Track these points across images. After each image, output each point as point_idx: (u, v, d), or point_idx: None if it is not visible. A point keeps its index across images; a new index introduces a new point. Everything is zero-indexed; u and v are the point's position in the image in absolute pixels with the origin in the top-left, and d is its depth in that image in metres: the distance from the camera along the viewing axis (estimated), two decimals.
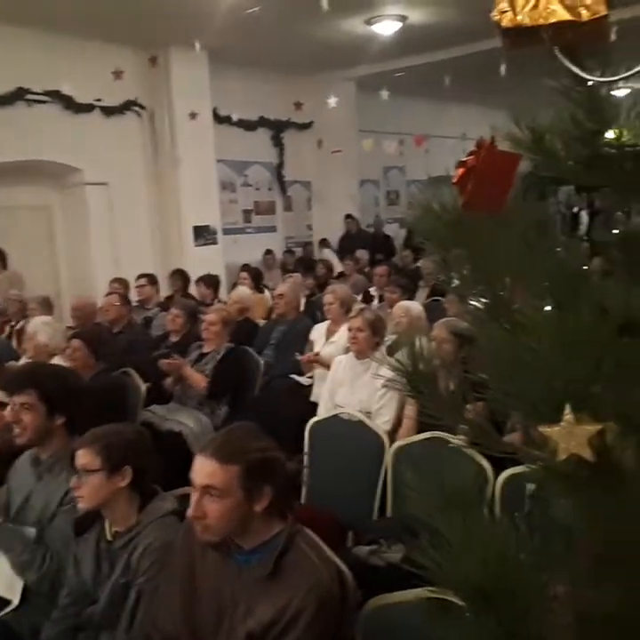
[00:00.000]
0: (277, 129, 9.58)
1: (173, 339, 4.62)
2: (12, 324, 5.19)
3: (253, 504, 1.48)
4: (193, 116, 7.68)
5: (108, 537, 1.88)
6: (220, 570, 1.54)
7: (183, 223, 7.88)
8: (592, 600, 0.67)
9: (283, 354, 4.38)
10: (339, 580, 1.51)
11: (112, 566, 1.84)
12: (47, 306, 5.20)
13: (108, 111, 7.40)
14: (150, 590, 1.74)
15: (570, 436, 0.64)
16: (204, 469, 1.48)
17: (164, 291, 6.58)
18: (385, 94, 8.05)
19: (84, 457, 1.83)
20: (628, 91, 1.01)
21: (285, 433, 2.51)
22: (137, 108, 7.69)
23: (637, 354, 0.77)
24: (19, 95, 6.61)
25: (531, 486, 1.44)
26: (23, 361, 3.85)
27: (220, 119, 8.43)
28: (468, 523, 0.74)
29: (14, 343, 4.79)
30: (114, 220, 7.50)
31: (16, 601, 2.03)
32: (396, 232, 11.23)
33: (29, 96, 6.71)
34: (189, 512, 1.49)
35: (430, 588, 0.80)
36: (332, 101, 7.81)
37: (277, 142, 9.67)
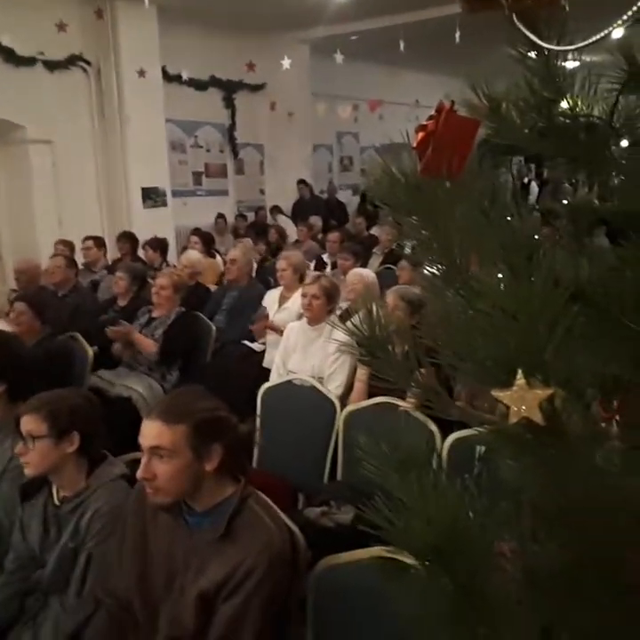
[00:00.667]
0: (229, 89, 9.36)
1: (121, 303, 4.53)
2: None
3: (204, 463, 1.48)
4: (141, 73, 7.41)
5: (56, 502, 1.87)
6: (171, 532, 1.55)
7: (131, 184, 7.66)
8: (538, 557, 0.70)
9: (235, 319, 4.36)
10: (290, 541, 1.53)
11: (60, 531, 1.83)
12: None
13: (52, 66, 7.08)
14: (100, 554, 1.74)
15: (521, 400, 0.65)
16: (151, 431, 1.48)
17: (112, 253, 6.42)
18: (339, 58, 7.93)
19: (29, 423, 1.80)
20: (578, 63, 1.02)
21: (238, 399, 2.51)
22: (82, 64, 7.37)
23: (586, 322, 0.79)
24: None
25: (480, 448, 1.49)
26: None
27: (169, 77, 8.17)
28: (421, 484, 0.76)
29: None
30: (58, 179, 7.23)
31: None
32: (349, 199, 11.22)
33: None
34: (139, 474, 1.48)
35: (382, 548, 0.82)
36: (286, 63, 7.65)
37: (229, 103, 9.46)
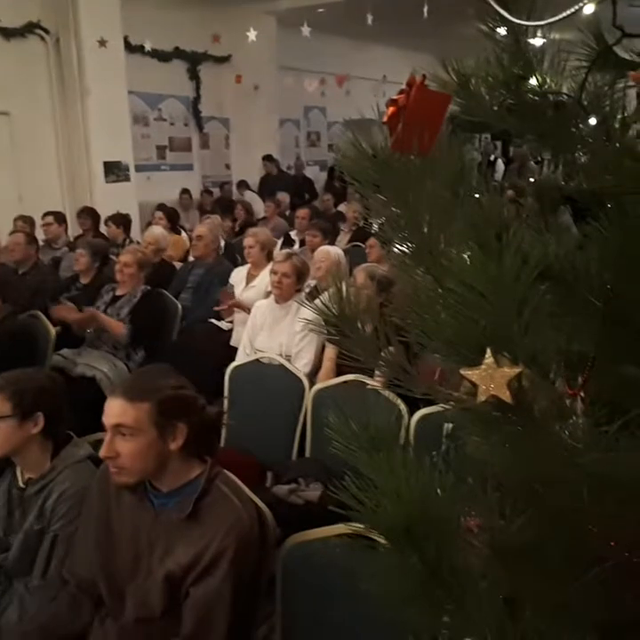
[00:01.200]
0: (194, 61, 9.16)
1: (84, 280, 4.44)
2: None
3: (168, 442, 1.47)
4: (102, 43, 7.18)
5: (21, 484, 1.84)
6: (136, 514, 1.54)
7: (93, 158, 7.45)
8: (504, 532, 0.71)
9: (201, 297, 4.31)
10: (258, 519, 1.54)
11: (24, 513, 1.80)
12: None
13: (8, 33, 6.83)
14: (66, 536, 1.72)
15: (489, 378, 0.66)
16: (114, 409, 1.46)
17: (73, 230, 6.28)
18: (306, 31, 7.81)
19: None
20: (552, 40, 1.01)
21: (205, 378, 2.50)
22: (40, 32, 7.12)
23: (552, 300, 0.80)
24: None
25: (448, 425, 1.51)
26: None
27: (131, 48, 7.95)
28: (391, 462, 0.76)
29: None
30: (16, 153, 7.01)
31: None
32: (316, 175, 11.14)
33: None
34: (101, 452, 1.47)
35: (350, 525, 0.82)
36: (252, 35, 7.51)
37: (194, 75, 9.27)
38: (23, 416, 1.77)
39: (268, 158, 9.79)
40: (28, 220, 5.75)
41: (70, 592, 1.62)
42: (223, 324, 4.10)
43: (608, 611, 0.67)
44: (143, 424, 1.44)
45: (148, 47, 8.20)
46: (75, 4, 7.02)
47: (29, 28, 7.03)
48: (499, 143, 11.81)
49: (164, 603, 1.46)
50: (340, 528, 1.39)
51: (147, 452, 1.45)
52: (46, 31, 7.15)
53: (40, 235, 5.58)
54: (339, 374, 2.74)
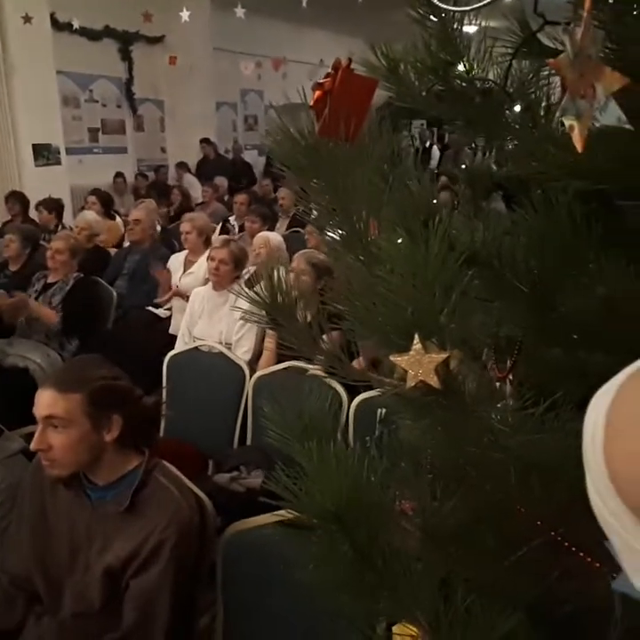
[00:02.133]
0: (125, 41, 8.88)
1: (13, 267, 4.27)
2: None
3: (102, 434, 1.43)
4: (27, 19, 6.85)
5: None
6: (72, 507, 1.50)
7: (20, 140, 7.12)
8: (436, 514, 0.72)
9: (137, 284, 4.21)
10: (198, 509, 1.52)
11: None
12: None
13: None
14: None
15: (417, 364, 0.66)
16: (44, 400, 1.42)
17: (1, 215, 6.02)
18: (240, 12, 7.66)
19: None
20: (477, 28, 1.02)
21: (144, 367, 2.45)
22: None
23: (479, 285, 0.81)
24: None
25: (382, 411, 1.52)
26: None
27: (59, 26, 7.63)
28: (322, 450, 0.76)
29: None
30: None
31: None
32: (255, 159, 11.02)
33: None
34: (32, 445, 1.43)
35: (286, 513, 0.83)
36: (185, 15, 7.32)
37: (126, 56, 9.00)
38: None
39: (205, 141, 9.61)
40: None
41: (2, 588, 1.57)
42: (161, 312, 4.03)
43: (536, 589, 0.70)
44: (75, 415, 1.40)
45: (76, 25, 7.88)
46: None
47: None
48: (434, 130, 11.96)
49: (103, 597, 1.44)
50: (278, 516, 1.39)
51: (79, 445, 1.41)
52: None
53: None
54: (281, 361, 2.73)
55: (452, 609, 0.67)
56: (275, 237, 4.04)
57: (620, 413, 0.42)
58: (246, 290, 0.99)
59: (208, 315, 3.23)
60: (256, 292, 0.97)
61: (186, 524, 1.43)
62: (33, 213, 5.96)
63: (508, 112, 0.88)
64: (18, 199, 5.96)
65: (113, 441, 1.44)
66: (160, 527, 1.40)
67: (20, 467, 1.72)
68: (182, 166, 9.34)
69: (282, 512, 1.02)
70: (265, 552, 1.47)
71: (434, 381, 0.66)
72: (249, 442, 2.61)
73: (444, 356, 0.66)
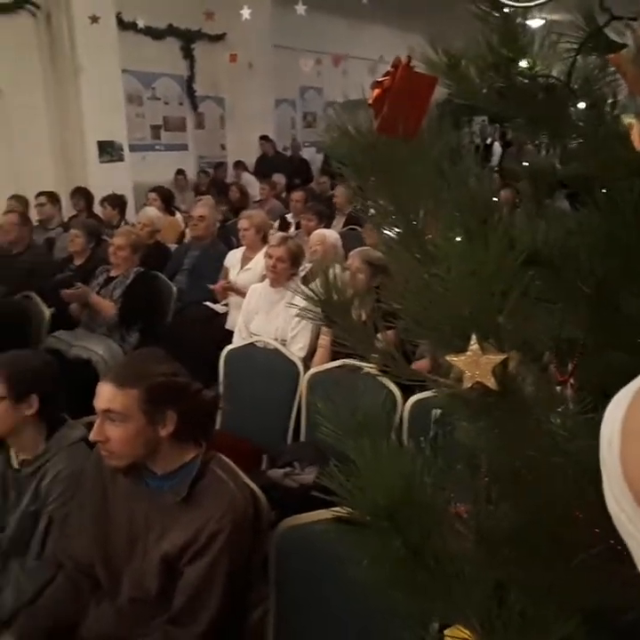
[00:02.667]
0: (187, 39, 9.04)
1: (77, 262, 4.42)
2: None
3: (158, 429, 1.47)
4: (94, 19, 7.06)
5: (15, 465, 1.85)
6: (131, 496, 1.54)
7: (86, 137, 7.35)
8: (491, 517, 0.71)
9: (196, 280, 4.28)
10: (253, 502, 1.54)
11: (20, 494, 1.81)
12: None
13: None
14: (61, 518, 1.74)
15: (475, 364, 0.66)
16: (103, 394, 1.46)
17: (67, 210, 6.23)
18: (301, 9, 7.69)
19: None
20: (543, 21, 1.00)
21: (200, 361, 2.49)
22: (31, 8, 6.99)
23: (541, 285, 0.80)
24: None
25: (436, 411, 1.51)
26: None
27: (124, 25, 7.82)
28: (376, 448, 0.76)
29: None
30: (9, 130, 6.91)
31: None
32: (313, 156, 11.05)
33: None
34: (91, 436, 1.48)
35: (339, 509, 0.83)
36: (246, 13, 7.40)
37: (188, 54, 9.16)
38: (18, 398, 1.77)
39: (264, 138, 9.70)
40: (22, 200, 5.70)
41: (67, 574, 1.63)
42: (218, 307, 4.09)
43: (593, 596, 0.68)
44: (131, 411, 1.44)
45: (140, 24, 8.07)
46: None
47: (19, 4, 6.89)
48: (496, 126, 11.70)
49: (160, 584, 1.47)
50: (331, 512, 1.39)
51: (135, 438, 1.45)
52: (37, 6, 7.02)
53: (34, 215, 5.54)
54: (335, 358, 2.74)
55: (507, 612, 0.67)
56: (331, 235, 4.05)
57: (636, 419, 0.42)
58: (302, 287, 1.00)
59: (264, 311, 3.26)
60: (312, 290, 0.97)
61: (240, 516, 1.46)
62: (97, 209, 6.14)
63: (572, 109, 0.86)
64: (83, 195, 6.15)
65: (169, 435, 1.48)
66: (215, 518, 1.42)
67: (81, 455, 1.79)
68: (240, 165, 9.46)
69: (335, 508, 1.03)
70: (318, 548, 1.48)
71: (491, 383, 0.65)
72: (302, 438, 2.62)
73: (502, 357, 0.65)
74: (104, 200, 6.00)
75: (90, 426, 1.84)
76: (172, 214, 6.25)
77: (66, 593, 1.61)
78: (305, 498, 1.99)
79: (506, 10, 0.84)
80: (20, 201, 5.67)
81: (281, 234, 3.85)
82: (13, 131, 6.91)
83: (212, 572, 1.42)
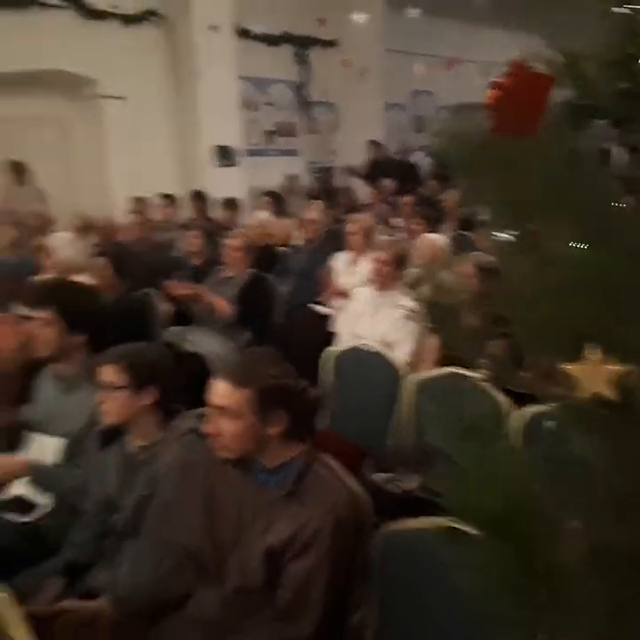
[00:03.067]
0: (301, 45, 9.21)
1: (194, 261, 4.63)
2: (35, 239, 5.19)
3: (267, 427, 1.51)
4: (214, 28, 7.36)
5: (132, 451, 1.95)
6: (240, 486, 1.60)
7: (203, 142, 7.67)
8: (608, 534, 0.68)
9: (303, 282, 4.36)
10: (355, 503, 1.55)
11: (135, 479, 1.90)
12: (87, 224, 5.18)
13: (125, 20, 7.12)
14: (172, 503, 1.81)
15: (593, 374, 0.64)
16: (217, 390, 1.52)
17: (184, 212, 6.52)
18: (414, 12, 7.65)
19: (109, 374, 1.86)
20: None
21: (305, 361, 2.54)
22: (155, 18, 7.39)
23: None
24: None
25: (550, 422, 1.45)
26: (44, 277, 3.89)
27: (241, 33, 8.09)
28: (486, 455, 0.75)
29: (35, 258, 4.81)
30: (132, 136, 7.33)
31: (49, 506, 2.13)
32: (422, 161, 10.94)
33: (43, 0, 6.46)
34: (204, 428, 1.55)
35: (446, 517, 0.82)
36: (358, 18, 7.45)
37: (301, 60, 9.32)
38: (137, 387, 1.86)
39: (373, 143, 9.72)
40: (144, 202, 6.04)
41: (175, 558, 1.71)
42: (325, 309, 4.15)
43: None
44: (243, 409, 1.49)
45: (257, 32, 8.31)
46: None
47: (145, 15, 7.30)
48: (619, 129, 11.05)
49: (264, 576, 1.51)
50: (437, 519, 1.38)
51: (245, 435, 1.51)
52: (161, 17, 7.40)
53: (154, 216, 5.85)
54: (442, 364, 2.69)
55: (619, 627, 0.64)
56: (439, 239, 4.00)
57: None
58: (409, 291, 1.00)
59: (369, 314, 3.27)
60: (419, 294, 0.97)
61: (343, 516, 1.47)
62: (213, 211, 6.38)
63: None
64: (200, 198, 6.44)
65: (277, 433, 1.52)
66: (318, 516, 1.45)
67: (193, 444, 1.85)
68: (349, 169, 9.53)
69: (439, 517, 1.02)
70: (421, 553, 1.46)
71: (610, 394, 0.63)
72: (406, 443, 2.61)
73: (623, 368, 0.63)
74: (219, 203, 6.23)
75: (201, 417, 1.93)
76: (283, 218, 6.40)
77: (174, 576, 1.68)
78: (407, 504, 1.97)
79: (629, 5, 0.81)
80: (142, 203, 6.00)
81: (388, 237, 3.86)
82: (136, 136, 7.33)
83: (316, 569, 1.45)
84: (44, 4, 6.48)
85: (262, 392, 1.50)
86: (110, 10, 6.97)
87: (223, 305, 3.81)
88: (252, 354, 1.65)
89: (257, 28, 8.31)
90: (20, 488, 2.18)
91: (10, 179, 6.58)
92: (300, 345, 3.44)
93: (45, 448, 2.16)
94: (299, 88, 9.54)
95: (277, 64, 9.05)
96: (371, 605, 1.59)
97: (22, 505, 2.14)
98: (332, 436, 2.53)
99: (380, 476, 2.26)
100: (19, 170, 6.57)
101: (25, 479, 2.16)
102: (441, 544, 0.82)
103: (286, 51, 9.15)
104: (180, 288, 3.93)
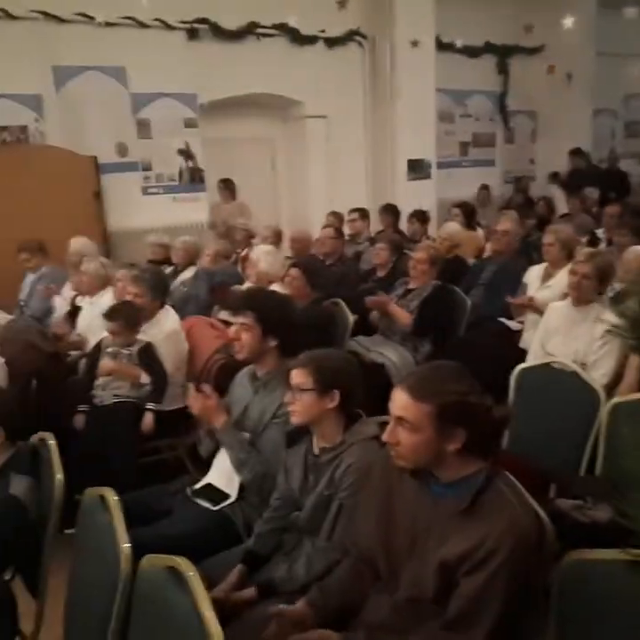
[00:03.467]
0: (503, 55, 8.98)
1: (380, 273, 4.72)
2: (239, 251, 5.63)
3: (445, 443, 1.49)
4: (414, 43, 7.41)
5: (315, 451, 2.02)
6: (416, 497, 1.59)
7: (397, 157, 7.78)
8: None
9: (492, 295, 4.22)
10: (537, 526, 1.48)
11: (317, 478, 1.97)
12: (277, 236, 5.56)
13: (331, 42, 7.45)
14: (350, 506, 1.85)
15: None
16: (398, 401, 1.53)
17: (374, 225, 6.65)
18: (630, 12, 7.06)
19: (298, 376, 1.96)
20: None
21: (490, 377, 2.46)
22: (358, 38, 7.63)
23: None
24: (249, 30, 6.91)
25: None
26: (246, 286, 4.19)
27: (442, 46, 8.08)
28: None
29: (240, 269, 5.21)
30: (330, 153, 7.65)
31: (234, 495, 2.28)
32: (633, 169, 10.09)
33: (259, 30, 6.98)
34: (384, 437, 1.56)
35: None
36: (568, 22, 7.07)
37: (502, 69, 9.08)
38: (323, 391, 1.93)
39: (575, 152, 9.15)
40: (338, 216, 6.27)
41: (352, 560, 1.75)
42: (513, 324, 3.98)
43: None
44: (422, 423, 1.48)
45: (458, 44, 8.25)
46: (392, 8, 7.35)
47: (350, 36, 7.58)
48: None
49: (436, 587, 1.49)
50: (627, 553, 1.26)
51: (422, 448, 1.50)
52: (364, 37, 7.64)
53: (346, 229, 6.04)
54: None
55: None
56: None
57: None
58: (612, 306, 0.92)
59: (564, 331, 3.07)
60: (624, 310, 0.89)
61: (523, 538, 1.40)
62: (402, 224, 6.44)
63: None
64: (391, 211, 6.52)
65: (455, 449, 1.49)
66: (496, 534, 1.40)
67: (373, 450, 1.88)
68: (553, 177, 9.06)
69: (629, 550, 0.93)
70: (606, 587, 1.36)
71: None
72: (597, 472, 2.41)
73: None
74: (411, 215, 6.27)
75: (381, 425, 1.95)
76: (474, 229, 6.28)
77: (351, 577, 1.72)
78: (594, 535, 1.83)
79: None
80: (336, 217, 6.23)
81: (589, 249, 3.60)
82: (335, 152, 7.66)
83: (489, 588, 1.40)
84: (259, 34, 7.00)
85: (442, 408, 1.47)
86: (318, 34, 7.34)
87: (405, 316, 3.82)
88: (437, 368, 1.62)
89: (459, 41, 8.24)
90: (212, 476, 2.37)
91: (221, 195, 7.20)
92: (486, 359, 3.34)
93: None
94: (499, 98, 9.29)
95: (477, 75, 8.90)
96: (548, 634, 1.51)
97: (214, 493, 2.32)
98: (513, 456, 2.42)
99: (565, 502, 2.11)
100: (229, 187, 7.18)
101: (218, 468, 2.35)
102: (629, 579, 0.74)
103: (487, 61, 8.97)
104: (369, 299, 4.01)
